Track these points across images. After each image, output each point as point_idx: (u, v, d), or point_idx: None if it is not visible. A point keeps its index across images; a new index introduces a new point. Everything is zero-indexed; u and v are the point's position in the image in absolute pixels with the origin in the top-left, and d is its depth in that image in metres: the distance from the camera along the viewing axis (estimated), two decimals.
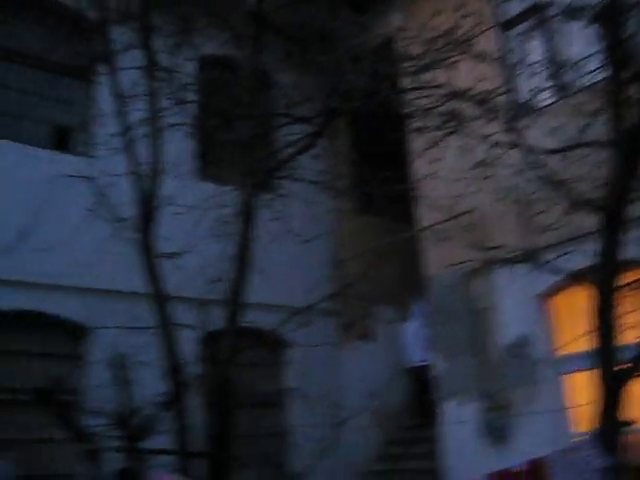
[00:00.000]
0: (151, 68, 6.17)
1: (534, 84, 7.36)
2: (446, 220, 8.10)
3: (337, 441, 8.77)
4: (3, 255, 7.30)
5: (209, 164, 9.43)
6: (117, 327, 6.68)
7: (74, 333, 8.52)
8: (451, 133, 5.72)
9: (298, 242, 8.13)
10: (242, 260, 5.52)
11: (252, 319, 6.08)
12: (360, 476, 9.60)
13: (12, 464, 7.72)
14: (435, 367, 8.71)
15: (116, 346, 6.34)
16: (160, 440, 5.71)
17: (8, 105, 8.85)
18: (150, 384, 5.89)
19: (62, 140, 9.17)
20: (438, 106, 5.52)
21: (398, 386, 10.62)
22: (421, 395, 10.19)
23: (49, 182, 6.80)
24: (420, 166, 8.74)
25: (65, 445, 8.21)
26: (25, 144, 8.55)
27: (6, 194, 8.04)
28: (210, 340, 7.05)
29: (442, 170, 8.35)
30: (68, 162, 8.29)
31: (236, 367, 5.53)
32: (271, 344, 9.33)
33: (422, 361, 10.00)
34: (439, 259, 8.85)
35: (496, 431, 7.84)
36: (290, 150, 5.90)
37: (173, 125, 6.20)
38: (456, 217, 8.08)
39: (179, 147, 6.69)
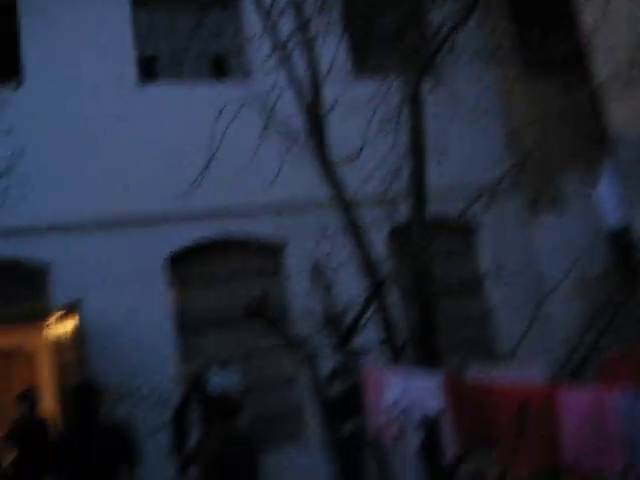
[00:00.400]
0: None
1: None
2: (630, 69, 7.36)
3: (541, 316, 8.60)
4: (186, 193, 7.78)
5: (367, 61, 9.27)
6: (309, 238, 6.90)
7: (271, 250, 9.06)
8: None
9: (470, 121, 7.85)
10: (417, 149, 5.42)
11: (437, 207, 6.01)
12: (568, 348, 9.39)
13: (238, 376, 8.51)
14: (637, 229, 8.18)
15: (311, 256, 6.62)
16: (368, 336, 5.95)
17: (168, 45, 9.25)
18: (349, 286, 6.12)
19: (221, 69, 9.46)
20: None
21: (598, 253, 10.12)
22: (624, 260, 9.65)
23: (217, 112, 7.05)
24: (590, 14, 7.96)
25: (282, 354, 8.91)
26: (188, 79, 8.99)
27: (182, 133, 8.52)
28: (400, 235, 7.10)
29: (616, 15, 7.56)
30: (231, 89, 8.56)
31: (429, 257, 5.54)
32: (461, 230, 9.24)
33: (621, 224, 9.40)
34: (625, 114, 8.14)
35: None
36: (445, 29, 5.60)
37: (324, 31, 6.13)
38: None
39: (334, 51, 6.62)
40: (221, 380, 7.46)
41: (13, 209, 7.31)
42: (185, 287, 8.76)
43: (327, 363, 7.57)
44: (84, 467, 4.71)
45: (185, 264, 8.77)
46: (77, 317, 7.37)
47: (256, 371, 8.76)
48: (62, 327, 7.68)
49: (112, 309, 7.90)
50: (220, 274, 8.91)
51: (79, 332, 7.33)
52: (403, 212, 5.84)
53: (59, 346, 7.79)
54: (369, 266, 5.77)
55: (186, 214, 8.42)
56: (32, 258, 8.01)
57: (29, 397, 7.52)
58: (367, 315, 5.61)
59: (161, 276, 8.30)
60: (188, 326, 8.55)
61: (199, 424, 6.17)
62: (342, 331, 5.48)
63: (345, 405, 7.93)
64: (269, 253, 9.11)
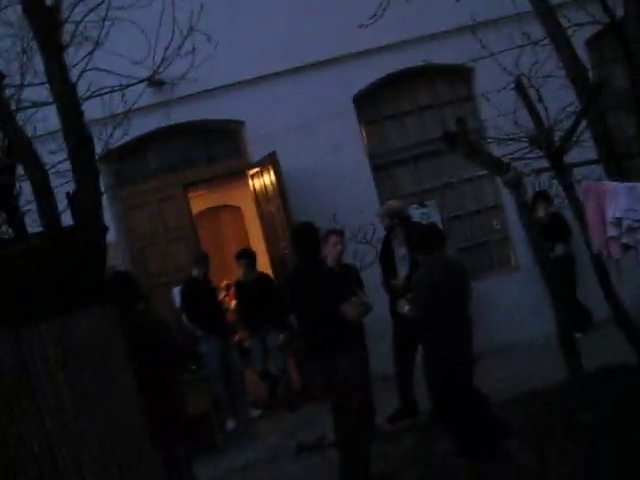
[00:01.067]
0: None
1: None
2: None
3: None
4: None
5: None
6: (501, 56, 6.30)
7: (460, 76, 8.56)
8: None
9: None
10: None
11: None
12: None
13: (438, 208, 8.43)
14: None
15: (512, 71, 6.11)
16: (581, 152, 5.50)
17: None
18: (556, 99, 5.59)
19: None
20: None
21: None
22: None
23: None
24: None
25: (485, 180, 8.63)
26: None
27: None
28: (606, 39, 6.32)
29: None
30: None
31: None
32: None
33: None
34: None
35: None
36: None
37: None
38: None
39: None
40: (422, 213, 7.42)
41: (201, 71, 7.43)
42: (376, 124, 8.61)
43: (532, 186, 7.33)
44: (313, 305, 4.94)
45: (374, 101, 8.57)
46: (275, 167, 7.55)
47: (457, 202, 8.60)
48: (262, 179, 7.95)
49: (307, 155, 8.00)
50: (410, 108, 8.63)
51: (278, 181, 7.54)
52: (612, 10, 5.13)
53: (262, 198, 8.12)
54: (579, 75, 5.20)
55: (368, 50, 8.10)
56: (225, 118, 8.24)
57: (248, 255, 7.99)
58: (580, 129, 5.12)
59: (351, 116, 8.19)
60: (383, 163, 8.49)
61: (406, 257, 6.20)
62: (552, 148, 5.06)
63: (553, 227, 7.67)
64: (458, 79, 8.61)
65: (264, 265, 8.89)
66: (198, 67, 6.94)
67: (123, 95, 5.50)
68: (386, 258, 6.48)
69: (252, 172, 8.15)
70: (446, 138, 5.30)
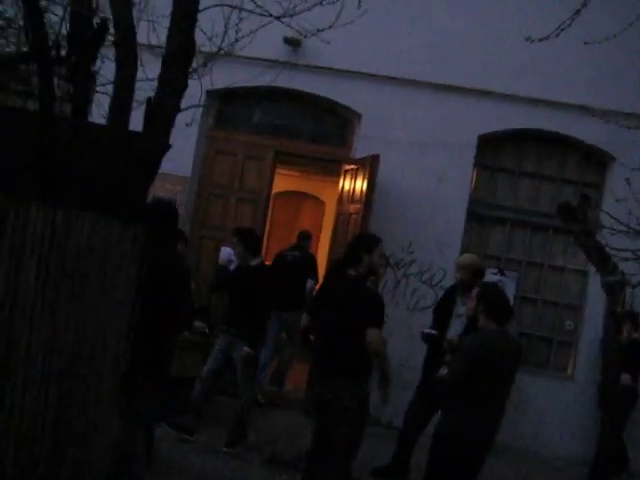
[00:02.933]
0: None
1: None
2: None
3: None
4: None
5: None
6: None
7: (596, 160, 7.87)
8: None
9: None
10: None
11: None
12: None
13: (512, 283, 7.75)
14: None
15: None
16: None
17: None
18: None
19: None
20: None
21: None
22: None
23: None
24: None
25: (575, 275, 7.91)
26: None
27: None
28: None
29: None
30: None
31: None
32: None
33: None
34: None
35: None
36: None
37: None
38: None
39: None
40: (498, 281, 6.77)
41: (339, 48, 7.05)
42: (490, 173, 8.00)
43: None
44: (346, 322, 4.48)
45: (496, 149, 7.98)
46: (372, 171, 7.07)
47: (537, 285, 7.90)
48: (355, 179, 7.47)
49: (409, 174, 7.49)
50: (530, 169, 7.99)
51: (370, 187, 7.04)
52: None
53: (346, 197, 7.64)
54: None
55: (513, 96, 7.53)
56: (345, 104, 7.82)
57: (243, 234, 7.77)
58: None
59: (469, 154, 7.61)
60: (481, 215, 7.87)
61: (463, 317, 5.61)
62: None
63: (628, 354, 6.90)
64: (592, 160, 7.91)
65: (321, 267, 8.54)
66: (338, 44, 6.63)
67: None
68: (443, 310, 5.90)
69: (348, 167, 7.68)
70: (564, 209, 4.69)
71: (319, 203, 13.70)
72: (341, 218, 7.64)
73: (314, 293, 7.67)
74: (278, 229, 12.46)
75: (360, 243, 4.81)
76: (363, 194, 7.13)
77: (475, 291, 4.48)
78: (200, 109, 7.54)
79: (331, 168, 8.89)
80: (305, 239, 8.32)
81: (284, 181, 12.20)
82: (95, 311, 3.10)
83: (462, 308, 5.64)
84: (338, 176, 7.98)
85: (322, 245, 11.52)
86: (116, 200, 3.53)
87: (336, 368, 4.54)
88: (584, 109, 6.96)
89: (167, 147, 3.75)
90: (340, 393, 4.42)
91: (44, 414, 2.90)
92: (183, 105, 3.87)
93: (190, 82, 3.89)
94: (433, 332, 5.64)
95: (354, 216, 7.26)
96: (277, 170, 8.43)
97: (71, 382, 2.92)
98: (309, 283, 7.92)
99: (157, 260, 3.84)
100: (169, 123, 3.71)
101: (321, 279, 7.73)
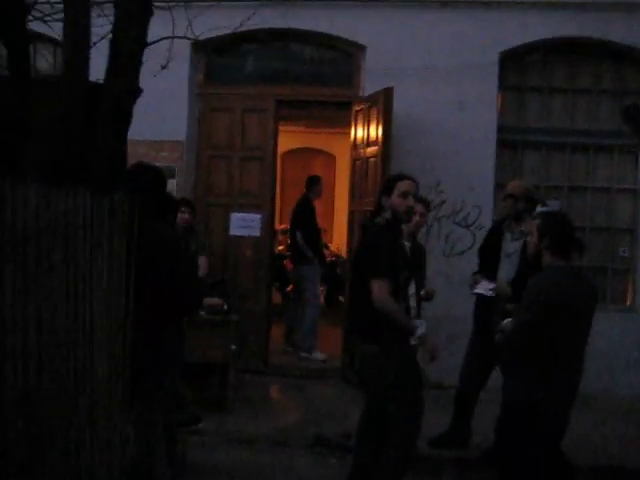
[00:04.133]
0: None
1: None
2: None
3: None
4: None
5: None
6: None
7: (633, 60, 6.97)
8: None
9: None
10: None
11: None
12: None
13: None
14: None
15: None
16: None
17: None
18: None
19: None
20: None
21: None
22: None
23: None
24: None
25: (625, 195, 7.11)
26: None
27: None
28: None
29: None
30: None
31: None
32: None
33: None
34: None
35: None
36: None
37: None
38: None
39: None
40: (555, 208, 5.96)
41: None
42: (518, 93, 7.15)
43: None
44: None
45: (522, 66, 7.11)
46: (386, 106, 6.26)
47: (583, 211, 7.06)
48: (368, 119, 6.67)
49: (426, 104, 6.67)
50: (563, 85, 7.12)
51: (386, 123, 6.25)
52: None
53: (361, 141, 6.84)
54: None
55: (538, 3, 6.66)
56: (346, 37, 6.97)
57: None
58: None
59: (492, 74, 6.75)
60: (513, 140, 7.03)
61: (515, 257, 4.85)
62: None
63: None
64: (629, 64, 7.02)
65: (341, 223, 7.87)
66: None
67: None
68: (489, 250, 5.12)
69: (359, 107, 6.87)
70: (632, 111, 3.88)
71: (329, 157, 13.09)
72: (358, 165, 6.86)
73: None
74: (289, 189, 11.74)
75: (382, 186, 4.14)
76: (379, 134, 6.34)
77: (534, 223, 3.73)
78: (186, 62, 6.85)
79: (339, 118, 8.10)
80: (312, 184, 7.81)
81: (290, 139, 11.65)
82: (67, 303, 2.40)
83: (513, 245, 4.90)
84: (347, 125, 7.18)
85: (339, 198, 10.91)
86: (83, 164, 2.81)
87: (356, 331, 4.00)
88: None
89: (137, 91, 3.00)
90: (366, 361, 3.81)
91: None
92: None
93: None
94: (486, 292, 4.84)
95: (372, 160, 6.48)
96: (281, 128, 7.64)
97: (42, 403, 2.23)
98: (297, 235, 7.63)
99: (144, 235, 3.13)
100: (135, 60, 2.95)
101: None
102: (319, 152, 13.17)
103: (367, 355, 3.82)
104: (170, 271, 3.28)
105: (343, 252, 10.34)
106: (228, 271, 6.99)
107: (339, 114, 7.88)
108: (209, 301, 5.51)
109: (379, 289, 3.68)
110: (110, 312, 2.92)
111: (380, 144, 6.30)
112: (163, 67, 4.57)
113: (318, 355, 7.51)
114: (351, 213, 6.93)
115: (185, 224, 6.10)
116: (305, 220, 7.69)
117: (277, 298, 9.09)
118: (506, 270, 4.87)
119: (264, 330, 7.12)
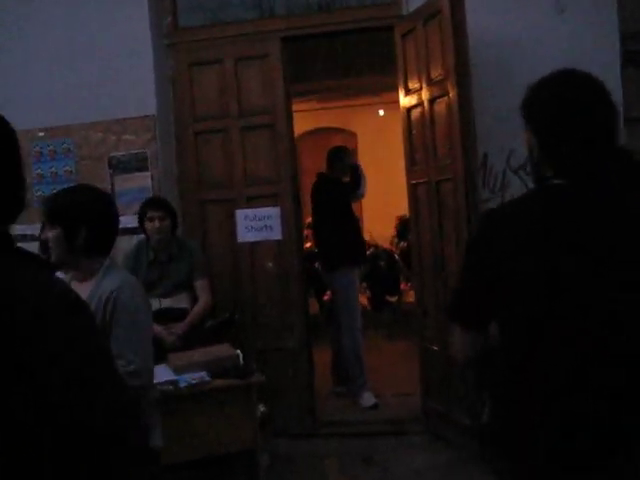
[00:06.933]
0: None
1: None
2: None
3: None
4: None
5: None
6: None
7: None
8: None
9: None
10: None
11: None
12: None
13: None
14: None
15: None
16: None
17: None
18: None
19: None
20: None
21: None
22: None
23: None
24: None
25: None
26: None
27: None
28: None
29: None
30: None
31: None
32: None
33: None
34: None
35: None
36: None
37: None
38: None
39: None
40: None
41: None
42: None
43: None
44: None
45: None
46: (456, 21, 4.01)
47: None
48: (426, 43, 4.41)
49: (512, 14, 4.42)
50: None
51: (458, 45, 4.00)
52: None
53: (413, 83, 4.58)
54: None
55: None
56: None
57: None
58: None
59: None
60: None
61: None
62: None
63: None
64: None
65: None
66: None
67: None
68: None
69: (404, 30, 4.58)
70: None
71: (350, 136, 11.28)
72: (414, 116, 4.57)
73: None
74: (307, 177, 9.73)
75: None
76: (449, 62, 4.07)
77: None
78: (143, 2, 4.62)
79: (372, 64, 5.93)
80: (336, 158, 5.72)
81: (301, 120, 9.98)
82: None
83: None
84: (384, 73, 5.01)
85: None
86: None
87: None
88: None
89: None
90: None
91: None
92: None
93: None
94: None
95: (440, 101, 4.21)
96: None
97: None
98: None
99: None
100: None
101: None
102: (336, 131, 11.31)
103: None
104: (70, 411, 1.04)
105: (381, 241, 8.79)
106: (241, 297, 4.79)
107: (372, 58, 5.71)
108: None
109: None
110: None
111: (451, 75, 4.04)
112: None
113: (366, 398, 5.33)
114: (412, 187, 4.65)
115: (158, 236, 4.05)
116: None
117: (314, 306, 7.27)
118: None
119: (304, 372, 4.90)
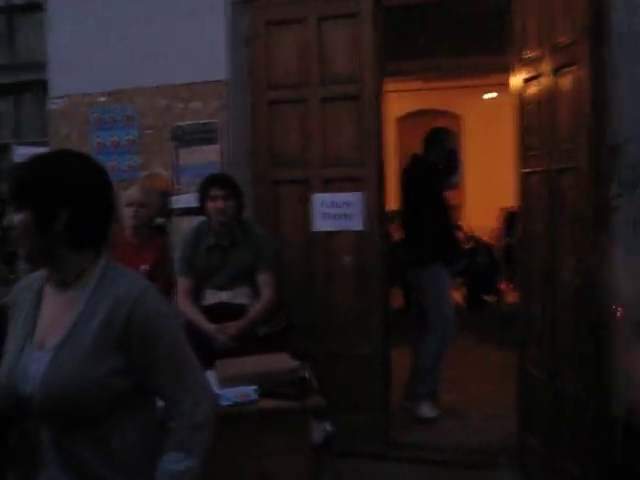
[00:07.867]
0: None
1: None
2: None
3: None
4: None
5: None
6: None
7: None
8: None
9: None
10: None
11: None
12: None
13: None
14: None
15: None
16: None
17: None
18: None
19: None
20: None
21: None
22: None
23: None
24: None
25: None
26: None
27: None
28: None
29: None
30: None
31: None
32: None
33: None
34: None
35: None
36: None
37: None
38: None
39: None
40: None
41: None
42: None
43: None
44: None
45: None
46: None
47: None
48: (550, 13, 3.59)
49: None
50: None
51: (590, 14, 3.16)
52: None
53: (534, 55, 3.77)
54: None
55: None
56: None
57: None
58: None
59: None
60: None
61: None
62: None
63: None
64: None
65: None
66: None
67: None
68: None
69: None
70: None
71: (453, 119, 10.69)
72: (530, 90, 3.75)
73: None
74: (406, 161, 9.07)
75: None
76: (577, 22, 3.24)
77: None
78: None
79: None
80: (434, 141, 5.06)
81: (402, 101, 10.00)
82: None
83: None
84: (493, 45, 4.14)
85: (469, 166, 8.08)
86: None
87: None
88: None
89: None
90: None
91: None
92: None
93: None
94: None
95: (566, 72, 3.37)
96: (390, 86, 4.80)
97: None
98: None
99: None
100: None
101: None
102: (440, 114, 10.66)
103: None
104: None
105: (482, 234, 8.10)
106: (312, 296, 4.16)
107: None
108: None
109: None
110: None
111: (583, 39, 3.21)
112: None
113: (425, 410, 4.70)
114: (524, 177, 3.84)
115: (221, 218, 3.47)
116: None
117: (398, 299, 6.91)
118: None
119: (380, 387, 4.22)
